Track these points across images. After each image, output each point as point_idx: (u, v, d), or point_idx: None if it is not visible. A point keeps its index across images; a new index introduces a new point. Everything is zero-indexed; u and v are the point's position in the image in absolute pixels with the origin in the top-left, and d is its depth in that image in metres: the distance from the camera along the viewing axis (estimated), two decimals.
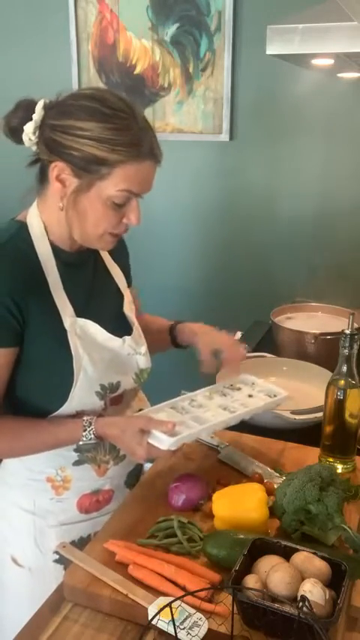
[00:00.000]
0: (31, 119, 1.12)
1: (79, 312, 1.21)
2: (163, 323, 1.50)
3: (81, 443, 1.19)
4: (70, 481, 1.28)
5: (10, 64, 2.81)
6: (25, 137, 1.13)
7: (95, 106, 1.09)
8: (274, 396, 1.35)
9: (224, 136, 2.53)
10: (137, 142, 1.09)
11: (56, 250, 1.20)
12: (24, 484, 1.29)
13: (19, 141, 1.15)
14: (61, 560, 1.27)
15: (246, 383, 1.41)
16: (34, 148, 1.15)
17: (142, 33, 2.54)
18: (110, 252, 1.35)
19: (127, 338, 1.28)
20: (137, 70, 2.60)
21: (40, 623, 0.97)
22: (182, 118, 2.59)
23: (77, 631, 0.96)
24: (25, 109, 1.13)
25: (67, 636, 0.95)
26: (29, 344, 1.16)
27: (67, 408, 1.20)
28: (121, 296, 1.36)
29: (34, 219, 1.19)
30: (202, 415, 1.25)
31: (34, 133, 1.12)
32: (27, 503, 1.30)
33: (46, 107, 1.12)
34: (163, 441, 1.14)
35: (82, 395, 1.20)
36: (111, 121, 1.08)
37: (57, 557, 1.29)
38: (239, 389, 1.38)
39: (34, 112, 1.12)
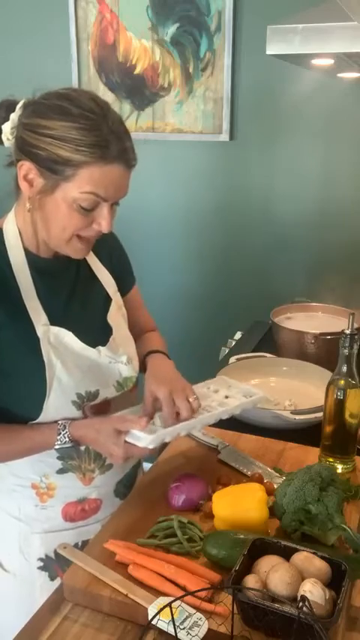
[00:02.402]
0: (9, 119, 1.11)
1: (56, 320, 1.18)
2: (148, 347, 1.41)
3: (57, 447, 1.16)
4: (55, 489, 1.26)
5: (11, 64, 2.81)
6: (3, 137, 1.12)
7: (64, 104, 1.07)
8: (251, 396, 1.35)
9: (224, 136, 2.53)
10: (104, 144, 1.05)
11: (31, 257, 1.18)
12: (11, 490, 1.27)
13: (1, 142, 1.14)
14: (46, 568, 1.27)
15: (222, 386, 1.40)
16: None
17: (142, 33, 2.54)
18: (98, 257, 1.33)
19: (101, 348, 1.24)
20: (137, 70, 2.60)
21: (40, 623, 0.97)
22: (182, 118, 2.59)
23: (77, 631, 0.96)
24: (6, 109, 1.12)
25: (67, 636, 0.95)
26: (0, 352, 1.15)
27: (44, 418, 1.18)
28: (108, 303, 1.32)
29: (10, 225, 1.17)
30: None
31: (12, 133, 1.11)
32: (13, 509, 1.28)
33: (24, 106, 1.11)
34: (141, 439, 1.13)
35: (57, 405, 1.17)
36: (77, 121, 1.05)
37: (41, 564, 1.28)
38: (217, 391, 1.38)
39: (14, 112, 1.11)
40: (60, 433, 1.15)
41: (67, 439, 1.15)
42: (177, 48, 2.51)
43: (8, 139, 1.12)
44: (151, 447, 1.13)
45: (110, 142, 1.06)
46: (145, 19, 2.51)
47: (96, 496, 1.29)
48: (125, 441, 1.13)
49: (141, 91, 2.61)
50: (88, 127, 1.05)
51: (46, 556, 1.27)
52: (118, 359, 1.26)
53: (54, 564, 1.27)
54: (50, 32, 2.70)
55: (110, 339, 1.27)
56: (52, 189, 1.08)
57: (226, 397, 1.35)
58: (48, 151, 1.05)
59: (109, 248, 1.36)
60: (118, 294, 1.36)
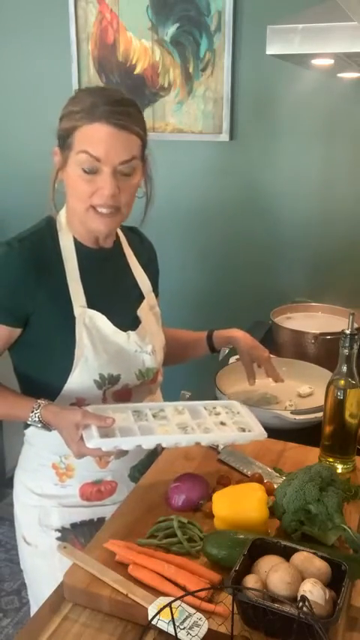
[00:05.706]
0: None
1: (93, 305, 1.27)
2: (195, 334, 1.58)
3: (29, 422, 1.21)
4: (73, 470, 1.34)
5: (10, 64, 2.81)
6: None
7: (74, 94, 1.24)
8: (249, 431, 1.24)
9: (224, 136, 2.53)
10: (90, 108, 1.16)
11: (79, 245, 1.29)
12: (35, 469, 1.37)
13: None
14: (63, 538, 1.36)
15: (231, 409, 1.31)
16: None
17: (142, 33, 2.54)
18: (138, 258, 1.42)
19: (131, 333, 1.31)
20: (137, 70, 2.60)
21: (40, 623, 0.97)
22: (182, 118, 2.59)
23: (77, 631, 0.96)
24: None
25: (67, 636, 0.95)
26: (38, 326, 1.24)
27: (67, 391, 1.26)
28: (140, 299, 1.39)
29: (62, 216, 1.31)
30: (154, 427, 1.19)
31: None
32: (35, 486, 1.37)
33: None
34: (90, 439, 1.10)
35: (80, 381, 1.25)
36: (74, 98, 1.21)
37: (59, 534, 1.36)
38: (218, 413, 1.28)
39: None
40: (33, 410, 1.19)
41: (37, 418, 1.19)
42: (177, 48, 2.52)
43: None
44: (104, 449, 1.10)
45: (96, 105, 1.16)
46: (145, 19, 2.52)
47: (111, 478, 1.37)
48: (80, 438, 1.13)
49: (141, 90, 2.61)
50: (79, 100, 1.19)
51: (63, 527, 1.36)
52: (144, 348, 1.33)
53: (71, 534, 1.36)
54: (50, 32, 2.70)
55: (139, 326, 1.35)
56: (65, 162, 1.21)
57: (222, 423, 1.25)
58: (60, 129, 1.21)
59: (148, 257, 1.47)
60: (153, 294, 1.43)
